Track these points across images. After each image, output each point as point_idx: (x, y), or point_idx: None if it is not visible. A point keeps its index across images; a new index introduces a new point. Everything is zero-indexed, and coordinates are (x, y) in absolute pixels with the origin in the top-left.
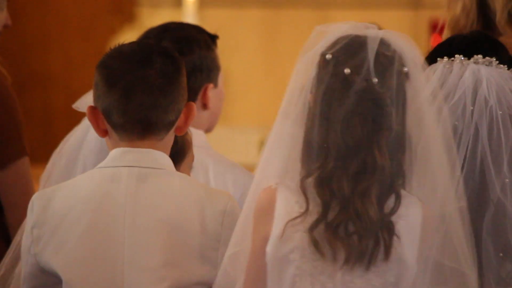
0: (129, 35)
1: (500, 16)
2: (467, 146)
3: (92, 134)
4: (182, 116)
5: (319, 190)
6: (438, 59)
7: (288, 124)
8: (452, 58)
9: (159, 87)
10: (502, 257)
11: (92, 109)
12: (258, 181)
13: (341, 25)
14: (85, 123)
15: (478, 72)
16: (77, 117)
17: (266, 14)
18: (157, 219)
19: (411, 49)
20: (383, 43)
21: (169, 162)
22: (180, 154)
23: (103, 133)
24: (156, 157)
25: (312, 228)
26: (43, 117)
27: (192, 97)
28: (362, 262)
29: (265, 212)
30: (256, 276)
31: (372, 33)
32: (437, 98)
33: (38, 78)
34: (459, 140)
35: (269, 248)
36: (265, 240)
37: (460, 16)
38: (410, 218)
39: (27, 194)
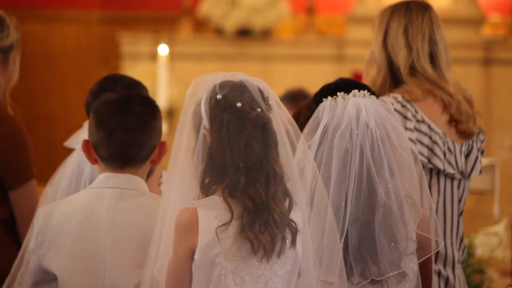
0: None
1: (403, 70)
2: (357, 162)
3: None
4: (156, 151)
5: (240, 198)
6: (323, 99)
7: (187, 156)
8: (335, 96)
9: (135, 129)
10: (392, 246)
11: (86, 142)
12: (173, 206)
13: (214, 75)
14: (75, 154)
15: (357, 103)
16: (73, 149)
17: (221, 66)
18: (130, 229)
19: (268, 88)
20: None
21: (143, 184)
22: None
23: (94, 161)
24: (133, 181)
25: (235, 232)
26: (46, 148)
27: None
28: (272, 254)
29: (189, 227)
30: (180, 278)
31: (243, 77)
32: (328, 129)
33: (42, 117)
34: (350, 159)
35: (197, 256)
36: (190, 250)
37: (377, 77)
38: (296, 217)
39: (35, 209)
